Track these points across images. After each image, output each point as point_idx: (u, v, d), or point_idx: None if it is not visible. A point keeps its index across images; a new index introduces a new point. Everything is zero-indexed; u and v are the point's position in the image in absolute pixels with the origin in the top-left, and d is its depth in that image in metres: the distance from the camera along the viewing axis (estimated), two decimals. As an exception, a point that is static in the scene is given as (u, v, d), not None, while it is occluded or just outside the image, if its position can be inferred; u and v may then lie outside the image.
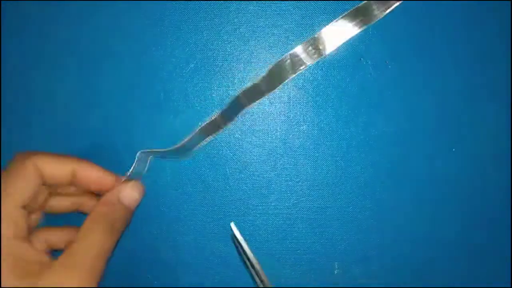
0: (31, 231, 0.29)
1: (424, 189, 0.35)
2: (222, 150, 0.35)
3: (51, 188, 0.30)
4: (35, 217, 0.30)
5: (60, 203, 0.31)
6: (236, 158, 0.35)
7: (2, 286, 0.25)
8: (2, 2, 0.35)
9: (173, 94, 0.35)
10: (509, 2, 0.34)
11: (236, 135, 0.35)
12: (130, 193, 0.31)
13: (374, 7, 0.34)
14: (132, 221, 0.34)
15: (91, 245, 0.27)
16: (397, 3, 0.34)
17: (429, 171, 0.35)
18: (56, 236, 0.31)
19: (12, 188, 0.27)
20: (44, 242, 0.30)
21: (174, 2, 0.34)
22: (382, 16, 0.34)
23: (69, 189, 0.32)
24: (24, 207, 0.27)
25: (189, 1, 0.34)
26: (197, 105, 0.35)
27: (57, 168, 0.28)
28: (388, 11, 0.34)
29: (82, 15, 0.35)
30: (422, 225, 0.35)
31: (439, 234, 0.35)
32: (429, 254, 0.35)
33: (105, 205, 0.30)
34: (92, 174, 0.30)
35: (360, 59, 0.34)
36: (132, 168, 0.32)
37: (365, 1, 0.34)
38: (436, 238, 0.35)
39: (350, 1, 0.34)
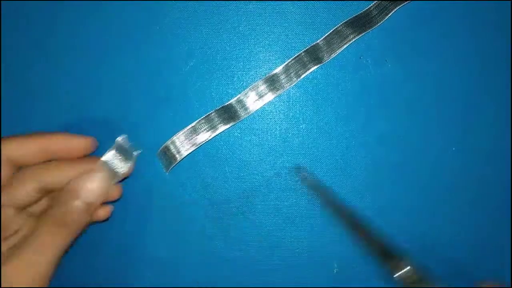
0: None
1: (423, 188, 0.35)
2: (222, 149, 0.35)
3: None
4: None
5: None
6: (236, 157, 0.35)
7: None
8: (2, 2, 0.35)
9: (172, 92, 0.35)
10: (509, 2, 0.34)
11: (236, 134, 0.35)
12: (88, 185, 0.29)
13: (375, 12, 0.34)
14: (131, 220, 0.35)
15: (38, 247, 0.27)
16: (397, 8, 0.34)
17: (429, 170, 0.35)
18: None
19: None
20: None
21: (173, 1, 0.34)
22: (382, 21, 0.34)
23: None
24: None
25: (188, 0, 0.34)
26: (196, 103, 0.35)
27: (25, 149, 0.29)
28: (388, 16, 0.34)
29: (82, 13, 0.35)
30: (422, 224, 0.35)
31: (439, 233, 0.35)
32: (429, 254, 0.35)
33: (58, 197, 0.29)
34: (60, 143, 0.30)
35: (360, 58, 0.34)
36: (108, 153, 0.31)
37: (365, 9, 0.34)
38: (436, 237, 0.35)
39: (349, 0, 0.34)
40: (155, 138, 0.34)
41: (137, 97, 0.35)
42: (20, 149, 0.29)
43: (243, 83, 0.35)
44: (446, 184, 0.35)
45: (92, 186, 0.29)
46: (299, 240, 0.35)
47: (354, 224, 0.33)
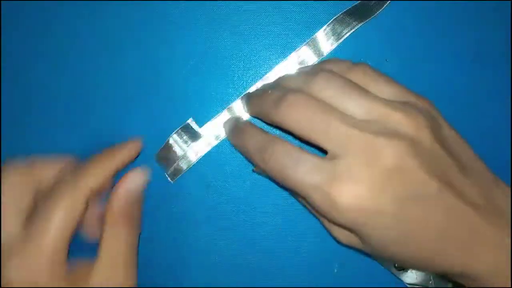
0: None
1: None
2: (222, 148, 0.35)
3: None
4: None
5: None
6: (237, 156, 0.35)
7: None
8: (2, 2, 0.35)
9: (172, 92, 0.35)
10: (509, 2, 0.35)
11: (236, 133, 0.35)
12: (133, 180, 0.31)
13: (372, 2, 0.34)
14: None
15: (119, 242, 0.29)
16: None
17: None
18: None
19: (62, 215, 0.28)
20: None
21: (173, 1, 0.34)
22: (381, 9, 0.34)
23: None
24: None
25: (189, 0, 0.34)
26: (196, 103, 0.35)
27: (103, 179, 0.30)
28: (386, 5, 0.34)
29: (82, 13, 0.35)
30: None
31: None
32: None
33: (116, 200, 0.30)
34: (125, 159, 0.31)
35: (360, 57, 0.34)
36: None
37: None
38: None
39: (350, 0, 0.34)
40: (155, 137, 0.34)
41: (137, 97, 0.35)
42: (99, 179, 0.30)
43: (243, 82, 0.35)
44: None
45: (137, 180, 0.31)
46: (299, 240, 0.35)
47: None
